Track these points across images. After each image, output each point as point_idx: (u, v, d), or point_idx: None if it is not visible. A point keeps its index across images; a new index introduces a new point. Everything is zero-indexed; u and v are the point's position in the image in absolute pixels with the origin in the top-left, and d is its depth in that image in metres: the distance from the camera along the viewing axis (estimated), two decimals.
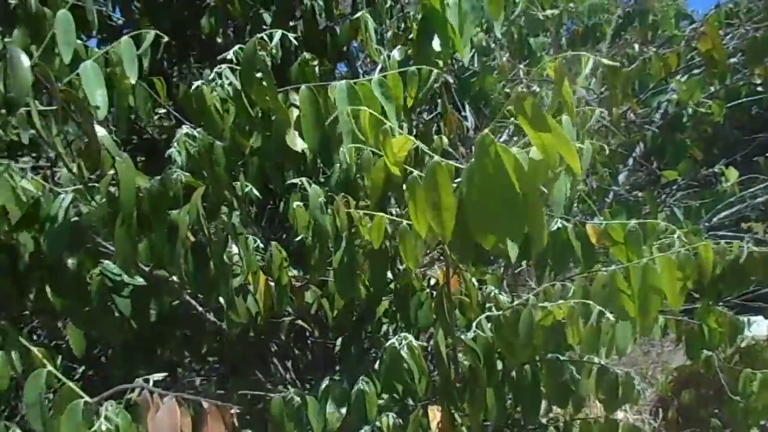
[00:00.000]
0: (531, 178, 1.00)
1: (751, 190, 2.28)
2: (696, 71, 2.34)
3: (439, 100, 2.28)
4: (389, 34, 2.43)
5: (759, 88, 2.40)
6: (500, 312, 1.33)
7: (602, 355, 1.52)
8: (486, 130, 1.11)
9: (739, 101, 2.47)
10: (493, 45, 2.31)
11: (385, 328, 2.01)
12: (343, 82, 1.19)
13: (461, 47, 1.43)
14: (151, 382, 1.16)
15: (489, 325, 1.37)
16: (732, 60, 2.31)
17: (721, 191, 2.40)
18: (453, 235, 1.11)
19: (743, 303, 2.62)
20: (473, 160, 1.07)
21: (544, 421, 1.82)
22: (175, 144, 1.28)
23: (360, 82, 1.20)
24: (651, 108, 2.40)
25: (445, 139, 2.28)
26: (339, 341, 2.12)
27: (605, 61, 1.02)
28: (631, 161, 2.51)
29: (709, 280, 1.77)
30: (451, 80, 2.21)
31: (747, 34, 2.28)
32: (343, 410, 1.63)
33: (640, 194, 2.34)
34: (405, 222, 1.30)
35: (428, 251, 1.80)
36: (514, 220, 1.01)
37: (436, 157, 1.09)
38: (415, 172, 1.12)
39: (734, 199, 2.28)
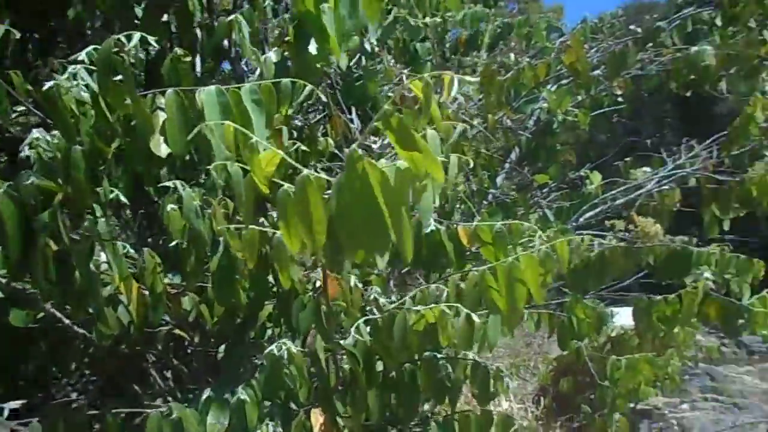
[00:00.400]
0: (397, 192, 1.02)
1: (612, 192, 2.49)
2: (565, 81, 2.51)
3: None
4: (277, 32, 2.40)
5: (620, 99, 2.63)
6: (377, 316, 1.35)
7: (475, 351, 1.60)
8: (353, 146, 1.13)
9: (603, 110, 2.68)
10: (377, 49, 2.34)
11: (269, 333, 1.98)
12: (212, 87, 1.15)
13: (338, 52, 1.44)
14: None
15: (367, 329, 1.39)
16: (596, 72, 2.50)
17: (586, 193, 2.60)
18: (325, 248, 1.11)
19: (613, 295, 2.83)
20: (342, 175, 1.08)
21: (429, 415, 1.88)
22: (26, 147, 1.18)
23: (231, 89, 1.18)
24: (525, 115, 2.54)
25: (332, 141, 2.29)
26: (222, 348, 2.06)
27: (468, 78, 1.06)
28: (507, 165, 2.64)
29: (569, 273, 1.91)
30: (336, 82, 2.21)
31: (609, 48, 2.47)
32: (225, 420, 1.59)
33: (516, 196, 2.48)
34: (279, 233, 1.29)
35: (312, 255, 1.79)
36: (380, 235, 1.03)
37: (305, 171, 1.09)
38: (286, 185, 1.12)
39: (597, 201, 2.48)
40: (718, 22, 2.59)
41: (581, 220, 2.39)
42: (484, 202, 2.57)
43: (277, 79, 1.23)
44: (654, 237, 1.77)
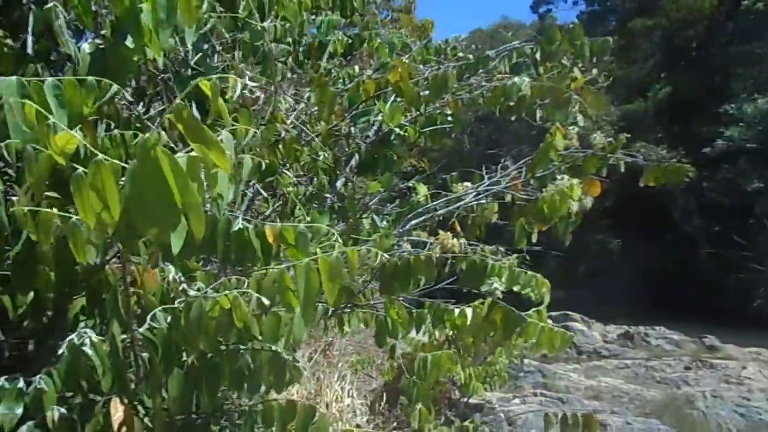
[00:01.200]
0: (187, 176, 1.12)
1: (435, 203, 2.73)
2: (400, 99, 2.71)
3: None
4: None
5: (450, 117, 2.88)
6: (175, 305, 1.41)
7: (281, 345, 1.70)
8: (148, 134, 1.20)
9: (435, 127, 2.92)
10: (219, 47, 2.38)
11: (82, 325, 1.94)
12: (14, 79, 1.17)
13: (157, 50, 1.49)
14: None
15: (168, 317, 1.44)
16: (426, 92, 2.71)
17: (414, 202, 2.82)
18: (121, 228, 1.18)
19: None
20: (135, 160, 1.15)
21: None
22: None
23: (33, 82, 1.20)
24: (365, 124, 2.70)
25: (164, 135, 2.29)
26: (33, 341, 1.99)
27: (250, 84, 1.16)
28: (347, 171, 2.79)
29: (380, 277, 2.07)
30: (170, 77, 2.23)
31: (438, 70, 2.70)
32: (19, 410, 1.56)
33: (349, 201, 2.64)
34: (75, 217, 1.30)
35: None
36: (171, 214, 1.12)
37: (100, 155, 1.14)
38: (81, 169, 1.16)
39: (422, 210, 2.70)
40: (537, 56, 2.92)
41: (407, 227, 2.58)
42: (324, 205, 2.69)
43: (85, 77, 1.26)
44: (452, 249, 1.98)
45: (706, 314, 15.50)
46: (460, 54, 2.96)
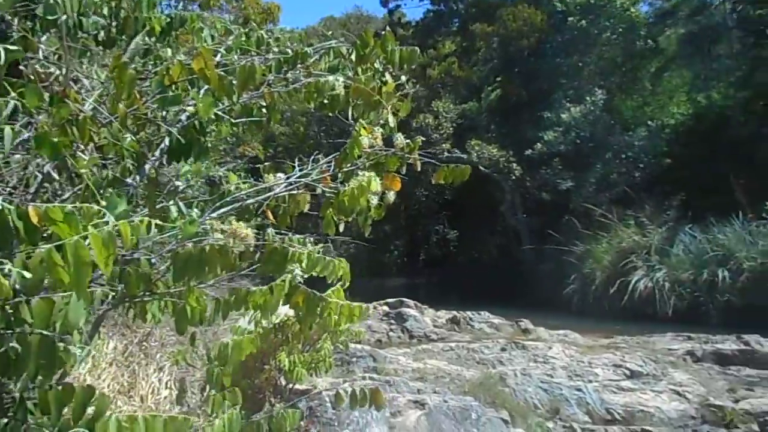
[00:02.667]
0: None
1: (244, 192, 2.76)
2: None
3: None
4: None
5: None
6: None
7: (57, 329, 1.65)
8: None
9: (253, 119, 2.95)
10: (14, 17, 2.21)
11: None
12: None
13: None
14: None
15: None
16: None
17: (226, 191, 2.83)
18: None
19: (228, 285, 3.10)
20: None
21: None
22: None
23: None
24: (176, 110, 2.65)
25: None
26: None
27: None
28: (158, 153, 2.72)
29: (172, 265, 2.08)
30: None
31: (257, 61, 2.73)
32: None
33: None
34: None
35: None
36: None
37: None
38: None
39: (230, 199, 2.73)
40: (353, 57, 3.06)
41: (215, 215, 2.59)
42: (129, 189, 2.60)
43: None
44: (245, 238, 2.04)
45: (525, 300, 17.17)
46: (282, 47, 3.00)
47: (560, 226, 20.11)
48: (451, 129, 22.36)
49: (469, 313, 13.48)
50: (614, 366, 9.36)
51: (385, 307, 13.71)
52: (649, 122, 21.35)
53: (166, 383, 4.86)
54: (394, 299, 14.30)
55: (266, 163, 2.94)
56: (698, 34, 22.25)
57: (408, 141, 2.77)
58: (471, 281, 21.85)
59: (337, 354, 7.46)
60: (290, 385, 6.03)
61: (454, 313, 13.54)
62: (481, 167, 21.09)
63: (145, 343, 5.33)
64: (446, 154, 20.63)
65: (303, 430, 6.01)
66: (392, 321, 13.01)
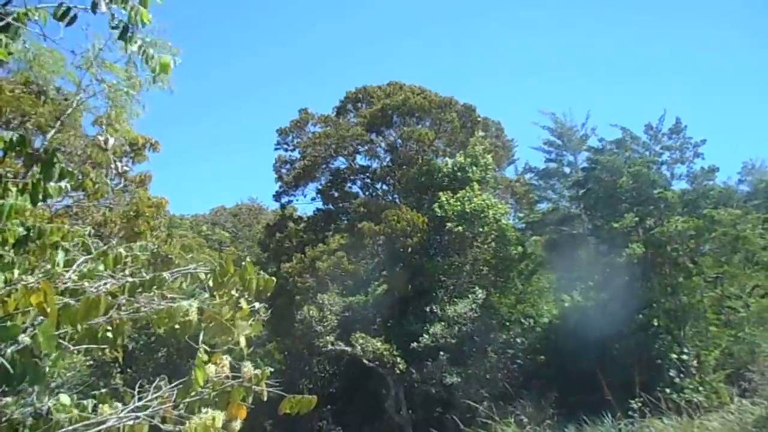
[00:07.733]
0: None
1: (71, 428, 2.60)
2: None
3: None
4: None
5: None
6: None
7: None
8: None
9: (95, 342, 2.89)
10: None
11: None
12: None
13: None
14: None
15: None
16: None
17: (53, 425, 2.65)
18: None
19: None
20: None
21: None
22: None
23: None
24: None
25: None
26: None
27: None
28: None
29: None
30: None
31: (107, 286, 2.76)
32: None
33: None
34: None
35: None
36: None
37: None
38: None
39: None
40: (210, 283, 3.17)
41: None
42: None
43: None
44: None
45: None
46: (134, 270, 3.04)
47: (444, 424, 19.82)
48: (335, 321, 22.41)
49: None
50: None
51: None
52: (523, 320, 22.66)
53: None
54: None
55: (103, 391, 2.80)
56: (560, 241, 24.81)
57: (256, 371, 2.79)
58: None
59: None
60: None
61: None
62: (365, 360, 20.95)
63: None
64: (330, 346, 20.44)
65: None
66: None
